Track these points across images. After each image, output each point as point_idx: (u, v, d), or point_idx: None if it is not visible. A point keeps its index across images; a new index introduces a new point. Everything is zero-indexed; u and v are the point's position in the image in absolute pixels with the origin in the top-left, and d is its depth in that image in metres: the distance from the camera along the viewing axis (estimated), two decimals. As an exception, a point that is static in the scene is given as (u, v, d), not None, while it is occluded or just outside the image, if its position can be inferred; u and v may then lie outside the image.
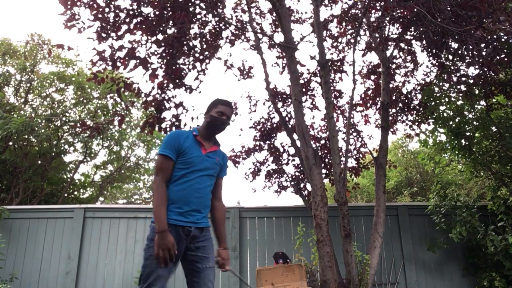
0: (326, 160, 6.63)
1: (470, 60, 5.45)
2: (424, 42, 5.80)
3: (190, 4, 5.05)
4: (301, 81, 6.69)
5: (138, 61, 4.95)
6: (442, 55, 5.96)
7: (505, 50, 5.12)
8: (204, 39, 5.71)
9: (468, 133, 6.42)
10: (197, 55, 5.60)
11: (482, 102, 6.48)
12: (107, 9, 4.80)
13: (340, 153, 5.08)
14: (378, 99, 6.96)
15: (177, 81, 5.32)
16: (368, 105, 7.21)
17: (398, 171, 12.71)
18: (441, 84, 6.41)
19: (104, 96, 10.41)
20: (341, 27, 6.83)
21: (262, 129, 6.89)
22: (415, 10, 4.64)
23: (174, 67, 5.13)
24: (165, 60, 5.13)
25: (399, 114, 7.12)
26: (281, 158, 6.83)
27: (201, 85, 6.34)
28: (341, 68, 6.95)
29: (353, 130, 6.78)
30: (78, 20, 4.70)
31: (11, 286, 5.61)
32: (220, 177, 2.64)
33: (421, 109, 6.91)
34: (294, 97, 5.05)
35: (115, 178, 12.69)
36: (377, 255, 5.22)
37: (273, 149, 6.83)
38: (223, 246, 2.54)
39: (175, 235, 2.26)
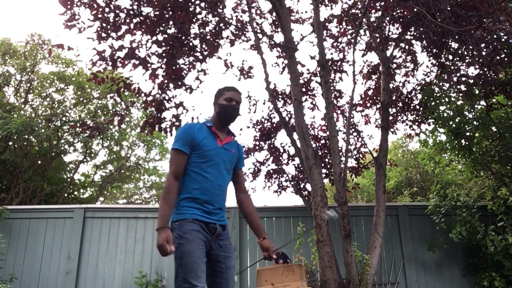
0: (326, 160, 6.63)
1: (470, 60, 5.45)
2: (424, 42, 5.80)
3: (190, 4, 5.05)
4: (301, 81, 6.69)
5: (138, 61, 4.95)
6: (442, 55, 5.96)
7: (505, 50, 5.13)
8: (204, 39, 5.71)
9: (468, 133, 6.42)
10: (197, 55, 5.60)
11: (482, 102, 6.48)
12: (107, 9, 4.80)
13: (340, 153, 5.08)
14: (378, 99, 6.96)
15: (177, 81, 5.32)
16: (368, 105, 7.21)
17: (398, 171, 12.71)
18: (441, 84, 6.41)
19: (104, 96, 10.41)
20: (341, 27, 6.83)
21: (262, 129, 6.89)
22: (415, 10, 4.64)
23: (174, 67, 5.13)
24: (165, 60, 5.13)
25: (399, 114, 7.12)
26: (281, 158, 6.83)
27: (201, 85, 6.34)
28: (341, 68, 6.94)
29: (353, 130, 6.78)
30: (78, 20, 4.70)
31: (11, 286, 5.61)
32: (239, 169, 2.52)
33: (421, 109, 6.91)
34: (294, 97, 5.05)
35: (115, 178, 12.69)
36: (377, 255, 5.22)
37: (273, 149, 6.83)
38: (263, 237, 2.46)
39: (201, 230, 2.20)
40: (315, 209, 4.67)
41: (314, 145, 5.68)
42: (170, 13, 4.87)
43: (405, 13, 5.26)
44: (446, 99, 6.37)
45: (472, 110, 6.46)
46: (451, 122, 6.37)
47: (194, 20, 5.38)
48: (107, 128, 10.31)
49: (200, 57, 5.62)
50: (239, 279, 6.00)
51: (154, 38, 5.02)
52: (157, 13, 4.83)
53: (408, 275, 6.18)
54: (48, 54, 10.46)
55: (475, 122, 6.38)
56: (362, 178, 13.35)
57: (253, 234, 6.78)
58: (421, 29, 5.27)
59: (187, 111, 5.46)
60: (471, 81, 5.98)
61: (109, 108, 10.54)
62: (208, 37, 5.82)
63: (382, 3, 5.65)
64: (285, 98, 6.72)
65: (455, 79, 6.05)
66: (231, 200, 2.66)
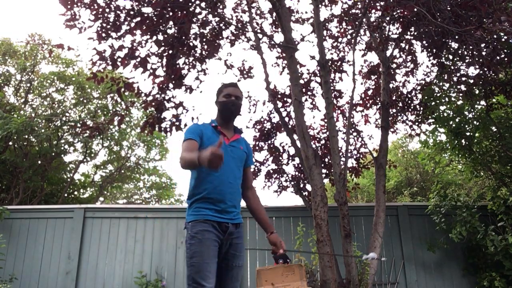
0: (326, 160, 6.63)
1: (470, 60, 5.46)
2: (424, 42, 5.80)
3: (190, 4, 5.05)
4: (301, 81, 6.69)
5: (138, 61, 4.95)
6: (442, 55, 5.96)
7: (505, 50, 5.13)
8: (204, 39, 5.71)
9: (468, 133, 6.42)
10: (197, 55, 5.60)
11: (482, 102, 6.49)
12: (107, 9, 4.80)
13: (340, 153, 5.08)
14: (378, 99, 6.96)
15: (177, 81, 5.32)
16: (368, 105, 7.21)
17: (398, 171, 12.71)
18: (441, 84, 6.41)
19: (104, 96, 10.42)
20: (341, 27, 6.83)
21: (262, 129, 6.89)
22: (415, 10, 4.64)
23: (174, 67, 5.13)
24: (165, 60, 5.13)
25: (399, 114, 7.12)
26: (281, 158, 6.82)
27: (201, 85, 6.35)
28: (341, 68, 6.94)
29: (353, 130, 6.78)
30: (78, 20, 4.71)
31: (11, 286, 5.61)
32: (248, 166, 2.50)
33: (421, 109, 6.91)
34: (294, 97, 5.05)
35: (115, 178, 12.70)
36: (377, 255, 5.21)
37: (273, 149, 6.83)
38: (270, 231, 2.47)
39: (213, 230, 2.19)
40: (315, 209, 4.67)
41: (314, 145, 5.68)
42: (170, 13, 4.87)
43: (405, 13, 5.27)
44: (446, 99, 6.37)
45: (472, 110, 6.46)
46: (451, 122, 6.37)
47: (194, 20, 5.38)
48: (107, 128, 10.31)
49: (201, 58, 5.62)
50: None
51: (154, 38, 5.02)
52: (157, 13, 4.83)
53: (408, 275, 6.18)
54: (49, 54, 10.46)
55: (475, 122, 6.38)
56: (362, 178, 13.35)
57: (253, 234, 6.78)
58: (421, 29, 5.28)
59: (187, 111, 5.46)
60: (471, 81, 5.98)
61: (109, 108, 10.54)
62: (208, 37, 5.82)
63: (382, 3, 5.65)
64: (285, 98, 6.72)
65: (455, 79, 6.06)
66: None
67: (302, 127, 4.94)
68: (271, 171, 6.85)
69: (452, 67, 5.94)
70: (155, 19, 4.87)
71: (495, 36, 4.84)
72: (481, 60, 5.16)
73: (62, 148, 10.37)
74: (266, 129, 6.88)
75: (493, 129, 6.26)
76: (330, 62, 6.64)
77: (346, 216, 4.77)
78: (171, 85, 5.33)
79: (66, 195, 11.03)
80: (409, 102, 7.00)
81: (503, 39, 4.94)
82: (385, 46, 6.11)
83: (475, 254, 6.05)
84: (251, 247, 6.22)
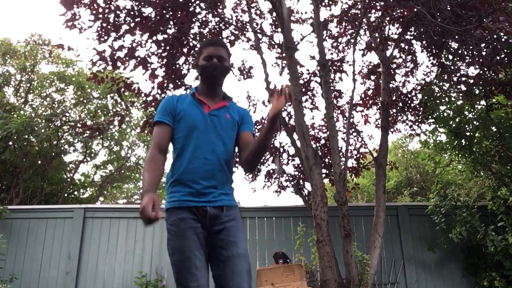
0: (326, 160, 6.63)
1: (470, 60, 5.45)
2: (424, 42, 5.80)
3: (190, 4, 5.05)
4: (301, 81, 6.69)
5: (138, 61, 4.95)
6: (442, 55, 5.96)
7: (505, 50, 5.13)
8: (204, 39, 5.71)
9: (468, 133, 6.42)
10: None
11: (482, 102, 6.48)
12: (107, 9, 4.80)
13: (340, 153, 5.08)
14: (378, 99, 6.96)
15: (177, 81, 5.32)
16: (368, 105, 7.21)
17: (398, 171, 12.71)
18: (441, 84, 6.41)
19: (104, 96, 10.42)
20: (341, 27, 6.83)
21: (262, 129, 6.88)
22: (415, 10, 4.64)
23: (174, 67, 5.13)
24: (165, 60, 5.13)
25: (399, 114, 7.12)
26: (281, 158, 6.82)
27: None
28: (341, 68, 6.94)
29: (353, 130, 6.78)
30: (78, 21, 4.71)
31: (11, 286, 5.61)
32: (244, 131, 2.06)
33: (421, 109, 6.91)
34: (294, 97, 5.05)
35: (115, 178, 12.70)
36: (377, 255, 5.22)
37: (273, 149, 6.83)
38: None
39: (191, 217, 1.85)
40: (315, 209, 4.67)
41: (314, 145, 5.68)
42: (170, 13, 4.87)
43: (405, 13, 5.27)
44: (446, 99, 6.37)
45: (472, 110, 6.45)
46: (451, 122, 6.37)
47: (194, 20, 5.38)
48: (107, 128, 10.31)
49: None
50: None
51: (154, 38, 5.02)
52: (157, 13, 4.83)
53: (408, 275, 6.18)
54: (49, 54, 10.47)
55: (475, 122, 6.38)
56: (362, 178, 13.35)
57: (253, 234, 6.77)
58: (421, 29, 5.27)
59: (187, 111, 5.45)
60: (471, 81, 5.98)
61: (109, 108, 10.54)
62: (208, 37, 5.82)
63: (382, 3, 5.65)
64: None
65: (455, 79, 6.05)
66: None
67: (302, 127, 4.94)
68: (271, 171, 6.86)
69: (452, 67, 5.93)
70: (155, 19, 4.87)
71: (495, 36, 4.84)
72: (481, 60, 5.16)
73: (62, 148, 10.37)
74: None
75: (493, 129, 6.26)
76: (330, 62, 6.64)
77: (346, 216, 4.77)
78: (171, 85, 5.33)
79: (66, 195, 11.03)
80: (409, 102, 7.00)
81: (503, 39, 4.94)
82: (385, 46, 6.12)
83: (475, 254, 6.05)
84: (251, 247, 6.23)
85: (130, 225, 6.32)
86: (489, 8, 4.29)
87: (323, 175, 6.03)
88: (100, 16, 4.77)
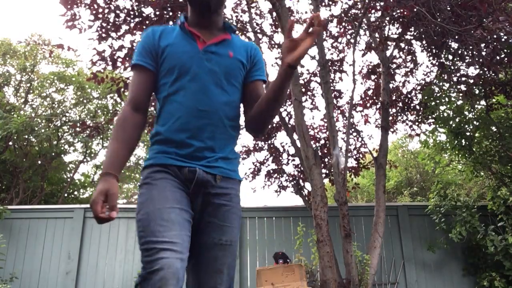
0: (326, 160, 6.63)
1: (470, 60, 5.46)
2: (424, 42, 5.80)
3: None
4: (301, 81, 6.69)
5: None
6: (442, 55, 5.97)
7: (505, 50, 5.13)
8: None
9: (468, 133, 6.42)
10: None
11: (482, 102, 6.49)
12: (107, 9, 4.80)
13: (340, 153, 5.08)
14: (378, 99, 6.96)
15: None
16: (368, 105, 7.22)
17: (398, 171, 12.71)
18: (441, 84, 6.41)
19: (104, 96, 10.42)
20: (341, 27, 6.83)
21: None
22: (415, 10, 4.64)
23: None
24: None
25: (399, 114, 7.12)
26: (281, 158, 6.83)
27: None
28: (341, 68, 6.95)
29: (353, 130, 6.78)
30: (78, 20, 4.71)
31: (11, 286, 5.61)
32: (253, 80, 1.55)
33: (421, 109, 6.92)
34: (294, 97, 5.05)
35: (115, 178, 12.66)
36: (377, 255, 5.22)
37: (273, 149, 6.84)
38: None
39: (172, 176, 1.37)
40: (315, 209, 4.67)
41: (314, 145, 5.68)
42: (170, 13, 4.87)
43: (405, 13, 5.27)
44: (446, 99, 6.37)
45: (472, 110, 6.46)
46: (451, 122, 6.37)
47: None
48: (107, 128, 10.31)
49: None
50: (239, 278, 6.00)
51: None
52: (157, 13, 4.83)
53: (408, 275, 6.18)
54: (49, 54, 10.47)
55: (475, 122, 6.38)
56: (362, 178, 13.36)
57: (253, 234, 6.76)
58: (421, 29, 5.27)
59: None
60: (471, 81, 5.99)
61: (109, 108, 10.54)
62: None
63: (382, 3, 5.65)
64: (285, 98, 6.71)
65: (455, 79, 6.06)
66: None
67: (302, 127, 4.95)
68: (271, 171, 6.86)
69: (452, 67, 5.94)
70: (155, 19, 4.87)
71: (495, 36, 4.85)
72: (481, 60, 5.16)
73: (62, 148, 10.37)
74: (266, 129, 6.88)
75: (493, 129, 6.26)
76: (330, 62, 6.64)
77: (346, 216, 4.77)
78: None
79: (66, 195, 11.04)
80: (409, 102, 7.01)
81: (503, 39, 4.95)
82: (385, 46, 6.12)
83: (475, 254, 6.06)
84: (251, 247, 6.23)
85: (130, 225, 6.32)
86: (489, 8, 4.29)
87: (323, 175, 6.03)
88: (100, 16, 4.78)
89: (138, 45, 1.52)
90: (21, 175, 9.39)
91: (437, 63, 6.26)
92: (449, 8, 4.69)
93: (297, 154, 5.84)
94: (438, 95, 6.41)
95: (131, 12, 4.88)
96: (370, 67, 7.19)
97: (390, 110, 6.39)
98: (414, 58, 6.77)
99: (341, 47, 6.96)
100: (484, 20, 4.38)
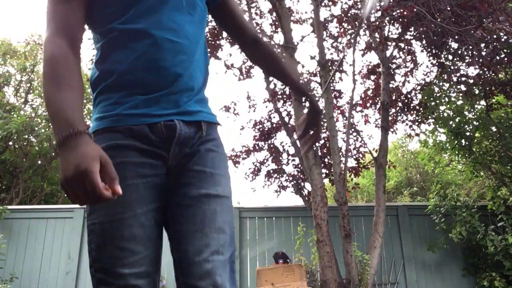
0: (326, 160, 6.63)
1: (470, 60, 5.46)
2: (424, 42, 5.80)
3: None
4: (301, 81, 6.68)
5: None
6: (442, 55, 5.97)
7: (505, 50, 5.13)
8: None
9: (468, 133, 6.43)
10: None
11: (482, 102, 6.49)
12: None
13: (340, 153, 5.08)
14: (378, 99, 6.96)
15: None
16: (368, 105, 7.21)
17: (398, 171, 12.72)
18: (441, 84, 6.42)
19: (104, 96, 10.42)
20: (341, 27, 6.84)
21: (262, 129, 6.90)
22: (415, 10, 4.64)
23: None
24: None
25: (399, 114, 7.12)
26: (281, 158, 6.83)
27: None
28: (341, 68, 6.95)
29: (353, 130, 6.78)
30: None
31: (11, 286, 5.61)
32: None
33: (421, 109, 6.92)
34: (294, 97, 5.05)
35: (115, 178, 12.67)
36: (377, 255, 5.22)
37: (273, 149, 6.84)
38: (308, 104, 1.30)
39: (135, 144, 1.01)
40: (315, 209, 4.68)
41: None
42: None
43: (405, 13, 5.27)
44: (446, 99, 6.38)
45: (472, 110, 6.46)
46: (451, 122, 6.37)
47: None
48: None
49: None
50: (239, 278, 5.99)
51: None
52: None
53: (408, 275, 6.18)
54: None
55: (475, 122, 6.38)
56: (362, 178, 13.36)
57: (253, 234, 6.77)
58: (421, 29, 5.28)
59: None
60: (471, 81, 5.98)
61: (109, 108, 10.53)
62: (207, 37, 5.82)
63: (382, 3, 5.65)
64: (285, 98, 6.72)
65: (455, 79, 6.06)
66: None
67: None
68: (271, 171, 6.86)
69: (452, 67, 5.94)
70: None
71: (495, 36, 4.85)
72: (481, 60, 5.16)
73: (62, 148, 10.36)
74: (266, 129, 6.89)
75: (493, 129, 6.26)
76: (330, 62, 6.64)
77: (346, 216, 4.77)
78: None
79: (66, 195, 11.03)
80: (409, 102, 7.01)
81: (503, 39, 4.95)
82: (385, 46, 6.12)
83: (475, 254, 6.06)
84: (251, 247, 6.23)
85: (130, 225, 6.31)
86: (489, 8, 4.29)
87: (323, 175, 6.03)
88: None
89: None
90: (21, 175, 9.39)
91: (437, 63, 6.26)
92: (449, 8, 4.69)
93: (297, 154, 5.84)
94: (438, 95, 6.41)
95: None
96: (370, 67, 7.19)
97: (390, 110, 6.39)
98: (414, 58, 6.77)
99: (341, 47, 6.97)
100: (484, 20, 4.38)
